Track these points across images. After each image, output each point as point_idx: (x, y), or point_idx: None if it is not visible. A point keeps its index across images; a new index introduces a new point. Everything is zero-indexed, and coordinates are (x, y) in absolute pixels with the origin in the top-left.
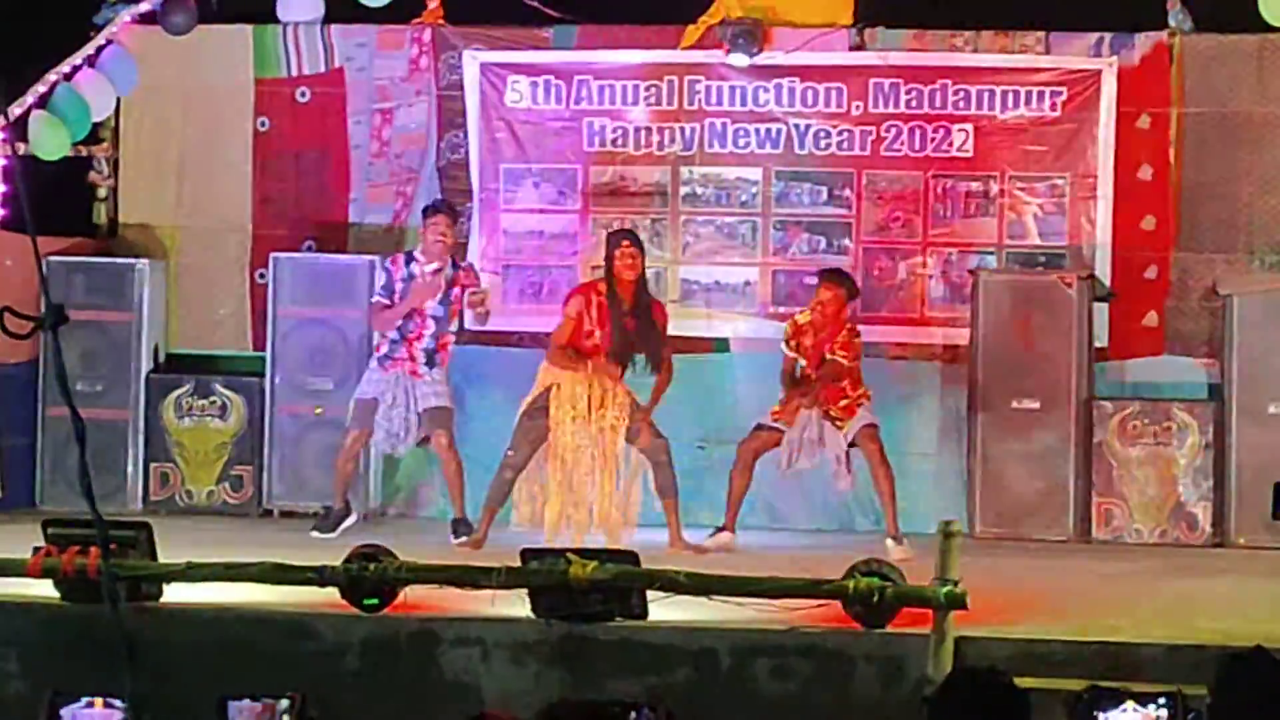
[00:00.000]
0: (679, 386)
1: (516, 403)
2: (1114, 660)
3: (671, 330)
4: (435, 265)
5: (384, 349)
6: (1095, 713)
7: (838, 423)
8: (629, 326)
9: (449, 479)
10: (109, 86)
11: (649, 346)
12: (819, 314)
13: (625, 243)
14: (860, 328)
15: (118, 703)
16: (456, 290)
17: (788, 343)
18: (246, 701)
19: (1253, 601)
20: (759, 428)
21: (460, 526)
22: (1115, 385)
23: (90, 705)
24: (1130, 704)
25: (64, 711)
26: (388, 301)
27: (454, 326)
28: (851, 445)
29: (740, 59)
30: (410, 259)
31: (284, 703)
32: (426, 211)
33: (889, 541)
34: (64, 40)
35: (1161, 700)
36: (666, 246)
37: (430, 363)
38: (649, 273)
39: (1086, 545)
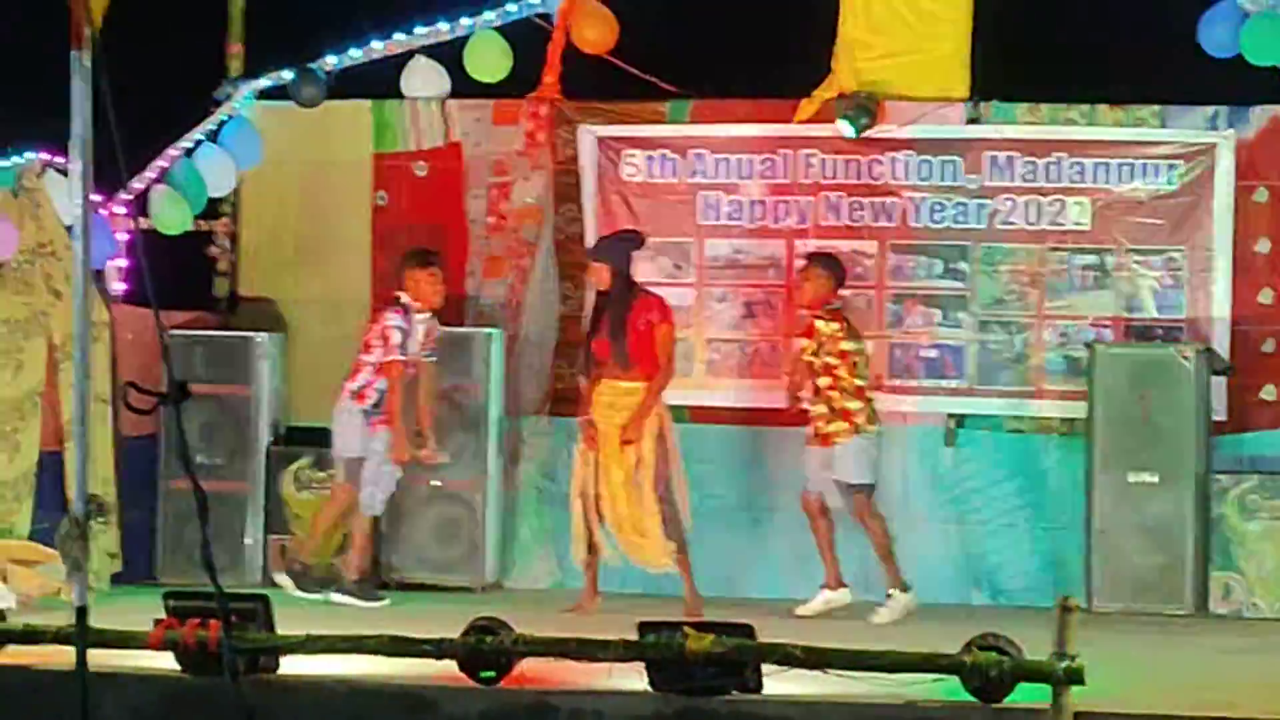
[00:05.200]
0: (790, 457)
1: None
2: None
3: (786, 403)
4: (428, 314)
5: (371, 400)
6: None
7: (817, 440)
8: None
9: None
10: (230, 161)
11: None
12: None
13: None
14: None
15: None
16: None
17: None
18: None
19: None
20: None
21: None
22: (1233, 459)
23: None
24: None
25: None
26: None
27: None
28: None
29: (849, 129)
30: (405, 311)
31: None
32: (429, 259)
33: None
34: (186, 115)
35: None
36: (780, 319)
37: None
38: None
39: (1205, 620)
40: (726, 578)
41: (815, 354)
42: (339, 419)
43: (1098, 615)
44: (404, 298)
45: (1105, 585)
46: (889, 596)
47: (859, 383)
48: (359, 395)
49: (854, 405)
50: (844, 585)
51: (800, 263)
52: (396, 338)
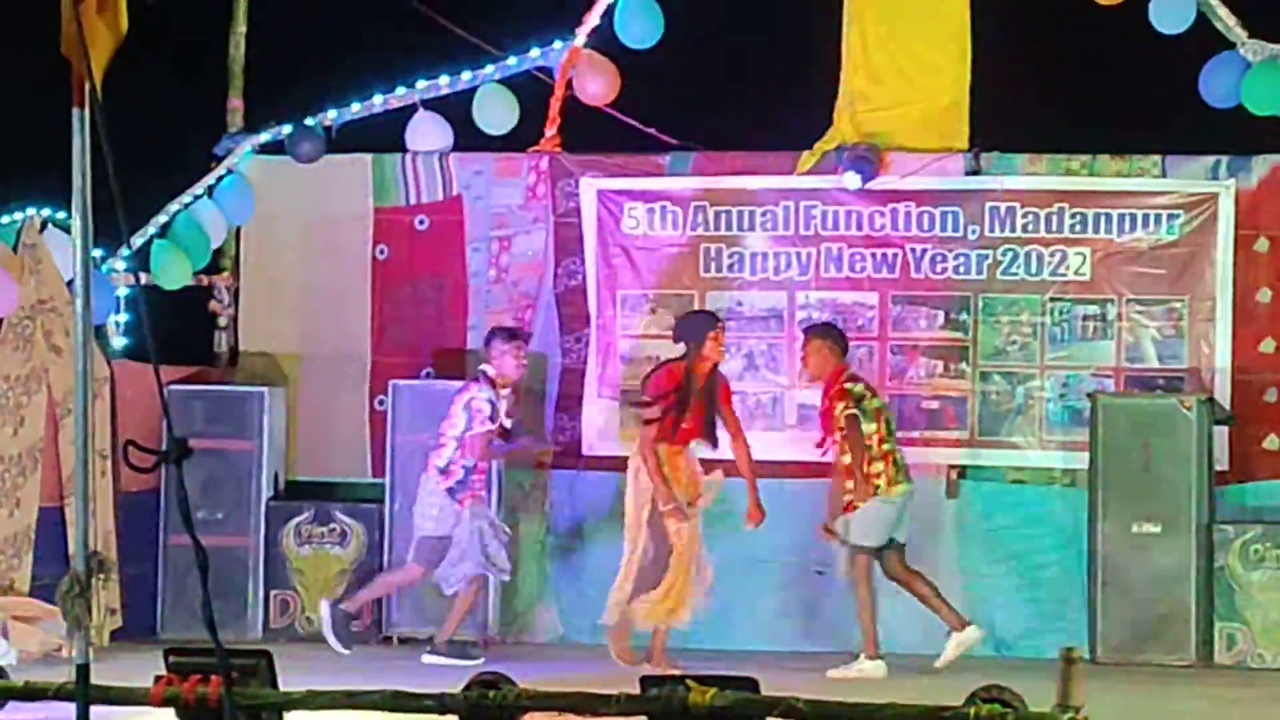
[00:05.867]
0: (792, 511)
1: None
2: None
3: (790, 455)
4: (508, 390)
5: (456, 477)
6: None
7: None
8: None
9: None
10: (222, 216)
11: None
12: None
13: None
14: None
15: None
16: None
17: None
18: None
19: None
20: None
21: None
22: (1236, 508)
23: None
24: None
25: None
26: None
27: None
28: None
29: (853, 180)
30: (492, 384)
31: None
32: (515, 334)
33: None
34: (187, 170)
35: None
36: (783, 371)
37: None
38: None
39: (1209, 670)
40: (727, 630)
41: (862, 418)
42: (423, 498)
43: (1101, 666)
44: (490, 371)
45: (1109, 636)
46: (855, 657)
47: (887, 447)
48: (445, 473)
49: (876, 468)
50: (968, 624)
51: (800, 337)
52: (487, 409)
